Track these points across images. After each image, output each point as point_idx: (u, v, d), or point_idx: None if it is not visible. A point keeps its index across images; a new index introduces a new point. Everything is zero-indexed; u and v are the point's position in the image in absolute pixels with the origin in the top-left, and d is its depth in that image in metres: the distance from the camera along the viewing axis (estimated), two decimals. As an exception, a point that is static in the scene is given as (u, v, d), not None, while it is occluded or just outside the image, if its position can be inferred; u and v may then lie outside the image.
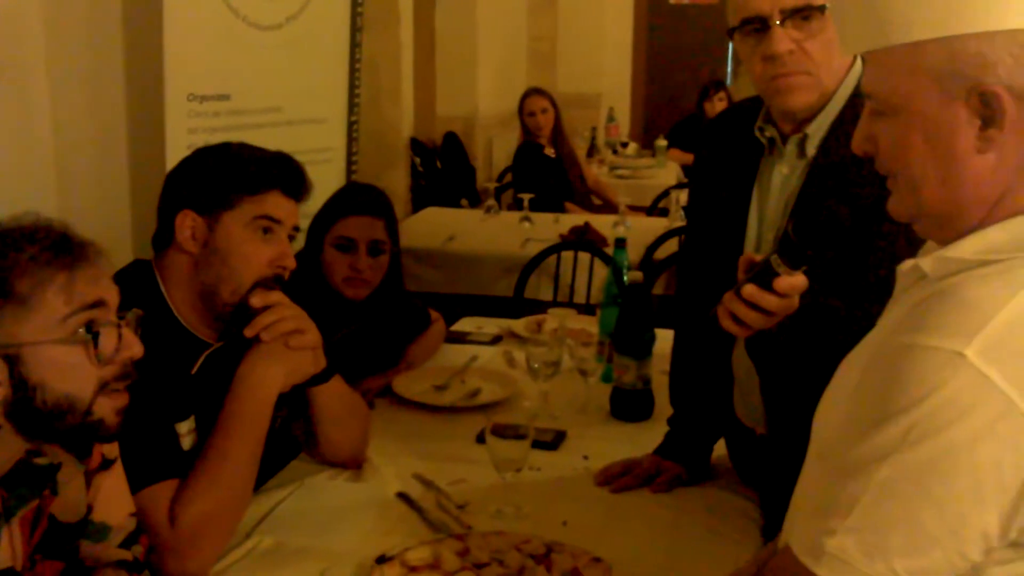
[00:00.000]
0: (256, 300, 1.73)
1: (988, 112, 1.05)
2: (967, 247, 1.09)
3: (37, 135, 2.71)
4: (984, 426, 0.97)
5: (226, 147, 1.84)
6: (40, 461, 1.31)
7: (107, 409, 1.30)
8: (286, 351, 1.75)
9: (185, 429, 1.70)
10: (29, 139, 2.68)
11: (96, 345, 1.27)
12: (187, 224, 1.73)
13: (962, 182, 1.09)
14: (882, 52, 1.12)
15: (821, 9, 1.63)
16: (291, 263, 1.79)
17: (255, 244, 1.73)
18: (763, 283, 1.49)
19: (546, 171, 5.47)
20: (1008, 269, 1.04)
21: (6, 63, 2.53)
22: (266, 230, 1.74)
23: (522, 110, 5.64)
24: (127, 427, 1.43)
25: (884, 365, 1.05)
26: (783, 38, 1.65)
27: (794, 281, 1.48)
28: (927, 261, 1.12)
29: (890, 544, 1.01)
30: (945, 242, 1.13)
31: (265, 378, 1.73)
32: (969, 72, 1.05)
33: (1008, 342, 0.98)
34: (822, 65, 1.68)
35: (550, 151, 5.55)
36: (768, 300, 1.49)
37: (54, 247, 1.27)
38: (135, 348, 1.33)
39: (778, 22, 1.64)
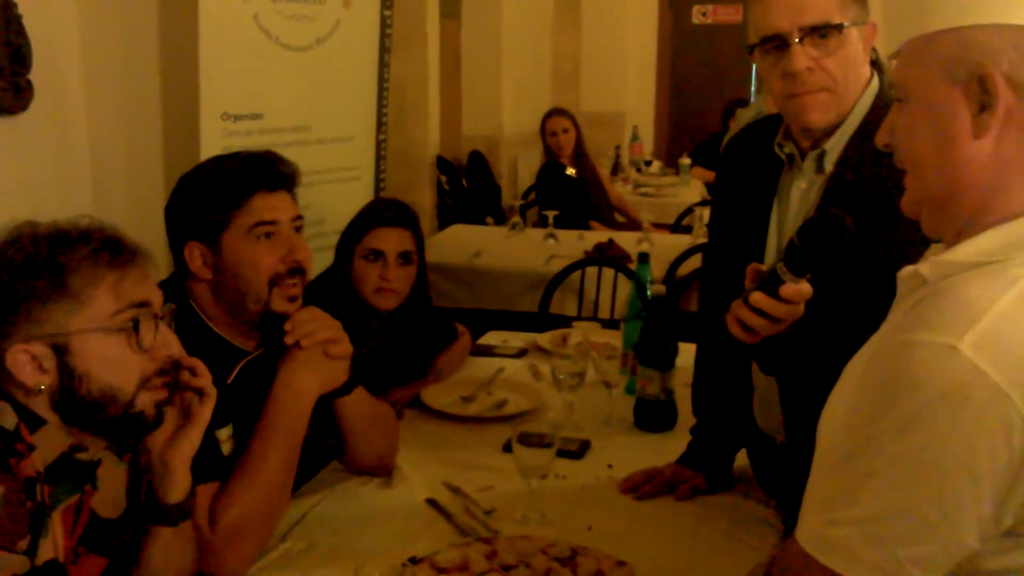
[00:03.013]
0: (286, 312, 1.80)
1: (985, 97, 1.11)
2: (962, 252, 1.14)
3: (74, 154, 2.79)
4: (978, 416, 1.02)
5: (201, 169, 1.92)
6: (82, 456, 1.38)
7: (147, 402, 1.39)
8: (323, 360, 1.81)
9: (224, 435, 1.77)
10: (67, 158, 2.76)
11: (137, 332, 1.36)
12: (195, 255, 1.81)
13: (956, 165, 1.14)
14: (907, 43, 1.18)
15: (839, 28, 1.68)
16: (302, 254, 1.83)
17: (260, 252, 1.80)
18: (769, 290, 1.54)
19: (568, 190, 5.52)
20: (1001, 269, 1.09)
21: (45, 84, 2.61)
22: (266, 234, 1.80)
23: (544, 130, 5.70)
24: None
25: (882, 362, 1.10)
26: (802, 56, 1.69)
27: (799, 288, 1.53)
28: (925, 266, 1.16)
29: (892, 533, 1.05)
30: (945, 238, 1.18)
31: (304, 386, 1.79)
32: (973, 58, 1.11)
33: (1000, 336, 1.03)
34: (840, 82, 1.71)
35: (572, 171, 5.60)
36: (774, 307, 1.54)
37: (107, 248, 1.36)
38: (173, 346, 1.42)
39: (797, 40, 1.68)
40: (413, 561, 1.64)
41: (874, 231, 1.63)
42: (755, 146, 1.91)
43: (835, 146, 1.76)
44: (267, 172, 1.83)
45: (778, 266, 1.53)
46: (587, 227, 5.29)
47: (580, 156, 5.67)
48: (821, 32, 1.68)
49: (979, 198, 1.15)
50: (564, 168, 5.60)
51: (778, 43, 1.71)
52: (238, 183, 1.81)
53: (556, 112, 5.76)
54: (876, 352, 1.14)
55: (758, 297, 1.55)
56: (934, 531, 1.04)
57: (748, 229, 1.88)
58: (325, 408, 1.90)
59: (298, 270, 1.83)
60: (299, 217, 1.86)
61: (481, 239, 4.80)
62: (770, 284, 1.54)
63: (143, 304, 1.38)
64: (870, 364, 1.14)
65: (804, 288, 1.54)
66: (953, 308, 1.06)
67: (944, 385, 1.03)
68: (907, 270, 1.20)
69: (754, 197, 1.88)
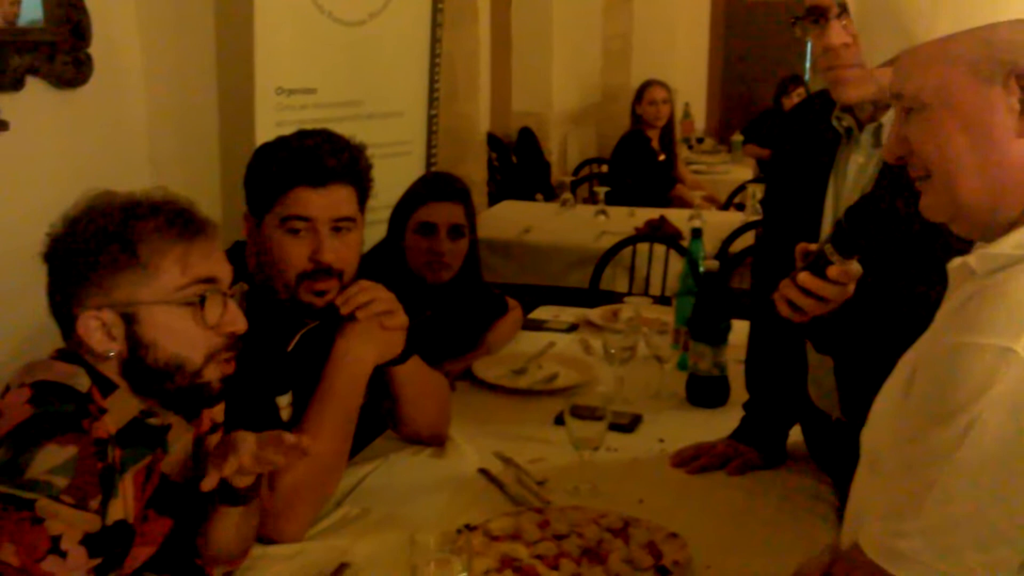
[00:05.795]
0: (338, 299, 1.81)
1: None
2: (1009, 242, 1.11)
3: (132, 129, 2.84)
4: None
5: (271, 145, 1.87)
6: (153, 421, 1.41)
7: (214, 375, 1.41)
8: (379, 331, 1.83)
9: (284, 403, 1.81)
10: (125, 133, 2.81)
11: (202, 307, 1.38)
12: (247, 226, 1.85)
13: (1001, 167, 1.11)
14: (907, 52, 1.15)
15: None
16: (331, 256, 1.78)
17: (287, 244, 1.79)
18: (817, 271, 1.53)
19: (648, 163, 5.50)
20: None
21: (104, 58, 2.65)
22: (296, 230, 1.78)
23: (642, 99, 5.70)
24: (234, 399, 1.53)
25: (936, 365, 1.08)
26: (839, 31, 1.68)
27: (847, 269, 1.52)
28: (973, 257, 1.14)
29: (961, 542, 1.05)
30: (985, 239, 1.15)
31: (360, 356, 1.81)
32: (1004, 57, 1.08)
33: None
34: None
35: (656, 145, 5.62)
36: (821, 287, 1.53)
37: (175, 220, 1.38)
38: (240, 323, 1.43)
39: (836, 15, 1.67)
40: (468, 528, 1.66)
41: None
42: (812, 120, 1.89)
43: (893, 119, 1.74)
44: (311, 167, 1.79)
45: (826, 247, 1.52)
46: (665, 201, 5.29)
47: (668, 134, 5.66)
48: None
49: (1022, 199, 1.11)
50: (650, 141, 5.60)
51: (817, 17, 1.70)
52: (282, 172, 1.80)
53: (655, 82, 5.78)
54: (928, 353, 1.13)
55: (805, 277, 1.54)
56: (1002, 535, 1.04)
57: (804, 205, 1.86)
58: (380, 377, 1.92)
59: (326, 270, 1.79)
60: (345, 219, 1.81)
61: (531, 215, 4.80)
62: (818, 264, 1.53)
63: (209, 280, 1.39)
64: (921, 366, 1.12)
65: (852, 269, 1.53)
66: (1005, 308, 1.05)
67: (1003, 389, 1.01)
68: (956, 261, 1.18)
69: (811, 171, 1.86)
